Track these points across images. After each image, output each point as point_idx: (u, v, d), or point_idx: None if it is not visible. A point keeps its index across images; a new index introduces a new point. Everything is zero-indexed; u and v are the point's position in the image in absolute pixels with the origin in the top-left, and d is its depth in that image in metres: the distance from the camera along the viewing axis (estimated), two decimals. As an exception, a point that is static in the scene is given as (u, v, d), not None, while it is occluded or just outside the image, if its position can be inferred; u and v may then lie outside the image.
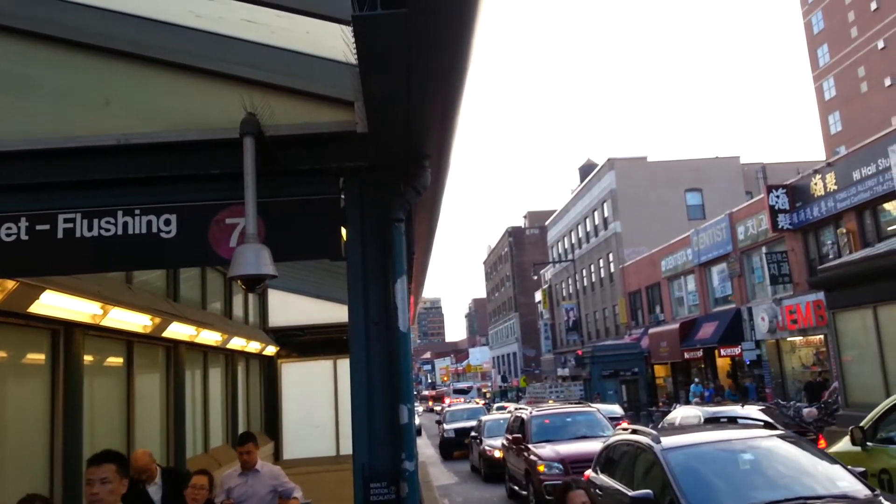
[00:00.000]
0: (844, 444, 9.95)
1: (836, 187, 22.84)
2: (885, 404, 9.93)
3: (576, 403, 18.64)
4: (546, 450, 13.02)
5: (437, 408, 50.55)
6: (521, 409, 16.98)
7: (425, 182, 3.90)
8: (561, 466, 12.19)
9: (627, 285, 42.46)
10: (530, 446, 13.58)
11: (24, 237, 3.87)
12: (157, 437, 8.78)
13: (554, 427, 14.54)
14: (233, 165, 3.69)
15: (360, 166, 3.86)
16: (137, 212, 3.92)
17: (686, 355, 32.03)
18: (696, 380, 30.54)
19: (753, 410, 16.22)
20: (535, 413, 15.02)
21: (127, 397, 7.90)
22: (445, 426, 25.53)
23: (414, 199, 3.99)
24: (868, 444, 9.47)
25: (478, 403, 40.07)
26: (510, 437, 15.19)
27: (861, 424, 9.83)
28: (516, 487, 14.30)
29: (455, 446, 23.70)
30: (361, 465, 3.85)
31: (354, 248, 3.96)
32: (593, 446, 13.04)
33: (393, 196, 3.88)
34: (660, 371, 38.06)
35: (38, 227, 3.88)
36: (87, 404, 6.82)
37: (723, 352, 29.26)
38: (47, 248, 3.87)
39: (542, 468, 12.40)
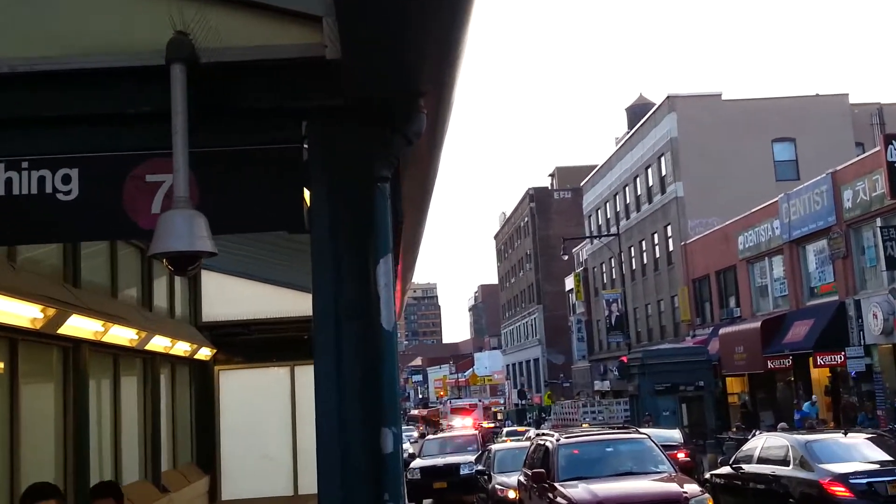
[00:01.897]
0: None
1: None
2: None
3: (620, 428, 18.63)
4: (579, 490, 13.01)
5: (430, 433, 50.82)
6: (544, 435, 17.03)
7: (419, 127, 3.90)
8: None
9: (691, 269, 42.55)
10: (557, 486, 13.54)
11: None
12: (50, 467, 8.85)
13: (589, 460, 14.54)
14: (157, 103, 3.69)
15: (329, 105, 3.86)
16: (25, 165, 3.92)
17: (770, 364, 32.15)
18: (814, 398, 29.86)
19: (860, 440, 16.19)
20: (563, 441, 15.02)
21: (10, 414, 7.94)
22: (413, 464, 25.60)
23: (403, 151, 3.99)
24: None
25: (476, 429, 40.14)
26: (529, 472, 15.11)
27: None
28: None
29: (423, 491, 23.73)
30: (330, 510, 3.89)
31: (321, 217, 3.98)
32: (643, 486, 13.14)
33: (375, 146, 3.89)
34: (734, 385, 38.22)
35: None
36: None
37: (820, 360, 29.35)
38: None
39: None
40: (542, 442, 16.06)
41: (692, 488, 13.03)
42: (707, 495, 13.02)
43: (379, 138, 3.88)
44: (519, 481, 16.56)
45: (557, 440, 15.08)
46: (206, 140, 3.85)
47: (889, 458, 14.62)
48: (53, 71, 3.81)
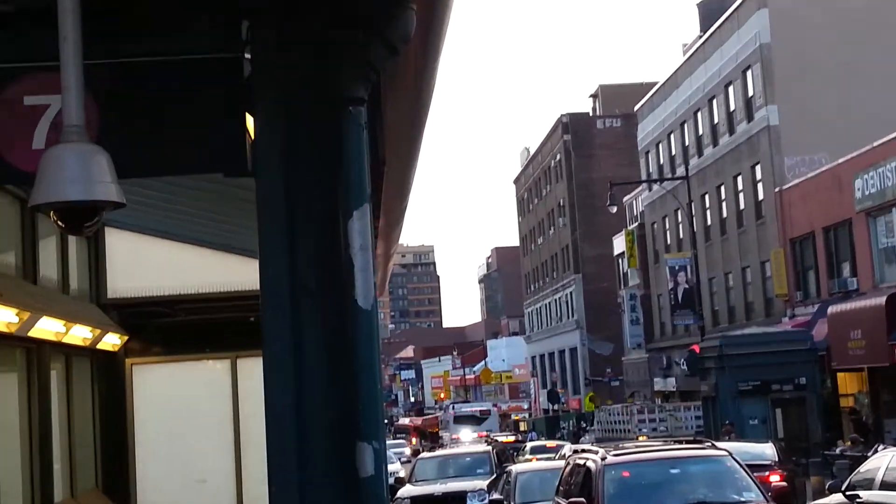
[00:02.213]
0: None
1: None
2: None
3: (689, 442, 18.60)
4: None
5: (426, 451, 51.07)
6: (584, 452, 16.88)
7: (405, 30, 3.89)
8: None
9: (790, 226, 42.48)
10: None
11: None
12: None
13: (648, 485, 14.53)
14: (40, -4, 3.69)
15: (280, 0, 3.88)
16: None
17: (898, 355, 32.28)
18: None
19: None
20: (611, 459, 14.80)
21: None
22: (402, 492, 25.64)
23: (386, 63, 3.99)
24: None
25: (489, 441, 40.06)
26: (565, 502, 15.26)
27: None
28: None
29: None
30: (286, 556, 3.94)
31: (271, 155, 4.00)
32: None
33: (345, 56, 3.89)
34: (848, 384, 38.29)
35: None
36: None
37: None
38: None
39: None
40: (581, 461, 15.81)
41: None
42: None
43: (351, 45, 3.88)
44: None
45: (603, 458, 14.73)
46: (109, 49, 3.85)
47: None
48: None
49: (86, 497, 13.53)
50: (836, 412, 37.49)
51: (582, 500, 14.09)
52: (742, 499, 13.83)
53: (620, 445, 17.53)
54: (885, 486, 16.21)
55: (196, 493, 14.25)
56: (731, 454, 15.37)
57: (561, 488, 16.44)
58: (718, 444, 18.14)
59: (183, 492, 14.28)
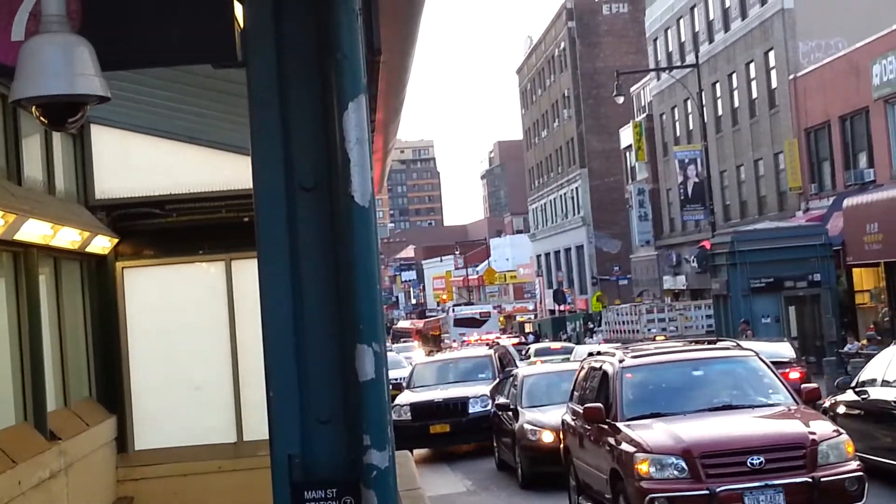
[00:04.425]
0: None
1: None
2: None
3: (712, 343, 18.23)
4: (655, 433, 12.40)
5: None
6: (600, 355, 16.47)
7: None
8: (684, 465, 11.54)
9: (804, 115, 42.36)
10: (622, 427, 12.88)
11: None
12: None
13: (669, 389, 14.06)
14: None
15: None
16: None
17: (916, 249, 32.39)
18: None
19: None
20: (630, 361, 14.38)
21: None
22: (400, 399, 25.42)
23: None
24: None
25: (493, 343, 40.07)
26: (580, 408, 14.74)
27: None
28: None
29: (414, 438, 23.58)
30: (287, 459, 4.00)
31: (262, 44, 3.99)
32: (749, 426, 12.66)
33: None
34: (865, 280, 38.45)
35: None
36: None
37: None
38: None
39: (645, 467, 11.76)
40: (597, 365, 15.27)
41: (822, 427, 12.22)
42: (845, 436, 12.12)
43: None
44: (564, 421, 16.32)
45: (621, 361, 14.28)
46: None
47: None
48: None
49: (80, 406, 13.66)
50: (851, 310, 37.68)
51: (599, 405, 13.67)
52: (770, 401, 13.45)
53: (638, 347, 16.73)
54: (885, 383, 16.30)
55: (193, 399, 14.39)
56: (757, 354, 15.01)
57: (575, 393, 16.10)
58: (740, 342, 17.82)
59: (179, 398, 14.41)
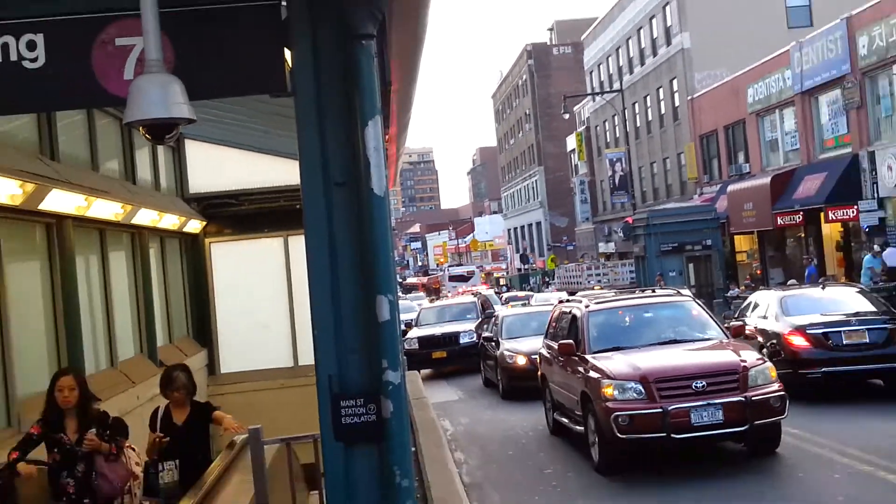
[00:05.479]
0: None
1: None
2: None
3: (651, 290, 17.21)
4: (616, 363, 11.55)
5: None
6: (569, 301, 15.49)
7: (404, -23, 3.81)
8: (641, 388, 10.75)
9: (699, 125, 42.25)
10: (590, 358, 12.02)
11: None
12: (41, 347, 9.00)
13: (626, 328, 13.17)
14: (122, -41, 3.60)
15: (307, -43, 3.77)
16: (-12, 31, 3.86)
17: (779, 221, 32.31)
18: (876, 248, 25.56)
19: (853, 295, 17.04)
20: (593, 307, 13.45)
21: (-5, 294, 8.02)
22: (410, 334, 25.56)
23: (388, 5, 3.91)
24: None
25: (476, 293, 39.98)
26: (555, 344, 13.76)
27: None
28: (565, 420, 13.23)
29: (421, 362, 23.81)
30: (328, 378, 4.00)
31: (304, 79, 3.94)
32: (692, 356, 11.88)
33: (357, 2, 3.80)
34: (742, 243, 38.51)
35: None
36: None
37: (832, 215, 29.42)
38: None
39: (609, 391, 10.94)
40: (567, 310, 14.45)
41: (751, 356, 11.41)
42: (768, 363, 11.41)
43: (362, -8, 3.80)
44: (540, 353, 15.44)
45: (587, 306, 13.45)
46: (179, -1, 3.77)
47: (854, 311, 15.66)
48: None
49: (180, 342, 13.70)
50: (733, 265, 37.78)
51: (570, 341, 12.89)
52: (706, 336, 12.59)
53: (599, 296, 15.56)
54: (756, 311, 16.96)
55: (261, 336, 14.43)
56: (693, 298, 14.49)
57: (550, 331, 15.26)
58: (682, 290, 16.92)
59: (252, 335, 14.46)
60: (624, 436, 10.45)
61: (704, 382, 10.58)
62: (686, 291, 17.37)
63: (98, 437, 6.53)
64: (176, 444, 7.13)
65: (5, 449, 6.59)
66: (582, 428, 11.95)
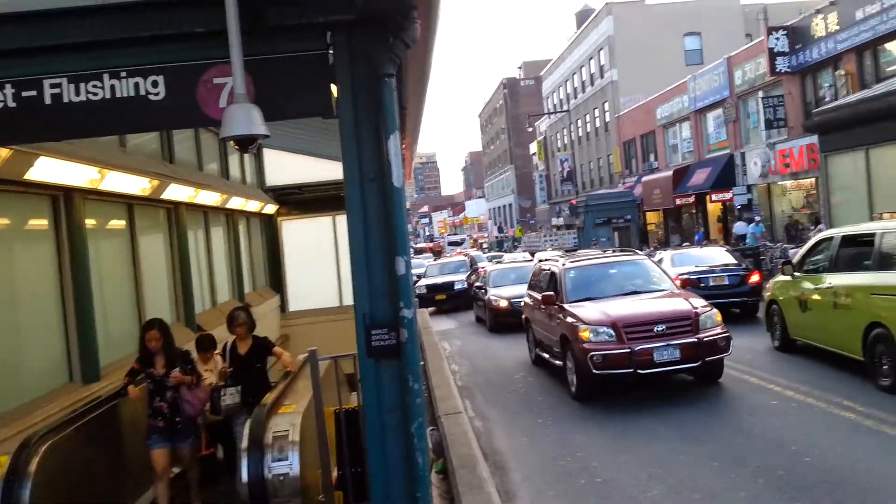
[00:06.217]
0: (781, 276, 11.73)
1: (837, 27, 22.06)
2: (812, 241, 11.31)
3: (613, 251, 16.18)
4: (589, 311, 10.23)
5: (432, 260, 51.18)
6: (548, 261, 13.84)
7: (414, 35, 3.78)
8: (612, 332, 9.58)
9: (622, 134, 42.04)
10: (567, 307, 10.77)
11: (11, 104, 3.81)
12: (165, 295, 9.05)
13: (595, 282, 11.65)
14: (217, 23, 3.58)
15: (347, 20, 3.74)
16: (124, 74, 3.84)
17: (678, 201, 32.33)
18: (757, 218, 25.05)
19: (721, 252, 17.49)
20: (568, 265, 12.12)
21: (132, 258, 8.06)
22: (420, 283, 25.49)
23: (403, 53, 3.89)
24: (796, 274, 11.13)
25: (466, 254, 39.81)
26: (538, 296, 12.22)
27: (793, 260, 11.64)
28: (546, 355, 11.94)
29: (427, 302, 23.88)
30: (363, 315, 4.00)
31: (345, 105, 3.92)
32: (652, 305, 10.36)
33: (381, 50, 3.78)
34: (652, 218, 38.49)
35: (25, 94, 3.81)
36: (94, 266, 6.97)
37: (714, 197, 29.46)
38: (36, 114, 3.82)
39: (586, 334, 9.75)
40: (546, 267, 13.07)
41: (700, 303, 10.13)
42: (715, 310, 10.07)
43: (384, 44, 3.78)
44: (524, 302, 13.92)
45: (564, 265, 12.17)
46: (257, 50, 3.76)
47: (721, 263, 16.13)
48: (135, 2, 3.69)
49: (261, 290, 13.73)
50: (645, 233, 37.77)
51: (551, 293, 11.61)
52: (661, 288, 11.23)
53: (572, 257, 13.70)
54: (660, 265, 16.81)
55: (317, 284, 14.44)
56: (648, 257, 13.10)
57: (532, 283, 13.90)
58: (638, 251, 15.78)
59: (311, 286, 14.47)
60: (598, 371, 9.44)
61: (664, 326, 9.52)
62: (640, 252, 16.36)
63: (182, 371, 6.32)
64: (239, 371, 6.80)
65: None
66: (561, 363, 10.83)
